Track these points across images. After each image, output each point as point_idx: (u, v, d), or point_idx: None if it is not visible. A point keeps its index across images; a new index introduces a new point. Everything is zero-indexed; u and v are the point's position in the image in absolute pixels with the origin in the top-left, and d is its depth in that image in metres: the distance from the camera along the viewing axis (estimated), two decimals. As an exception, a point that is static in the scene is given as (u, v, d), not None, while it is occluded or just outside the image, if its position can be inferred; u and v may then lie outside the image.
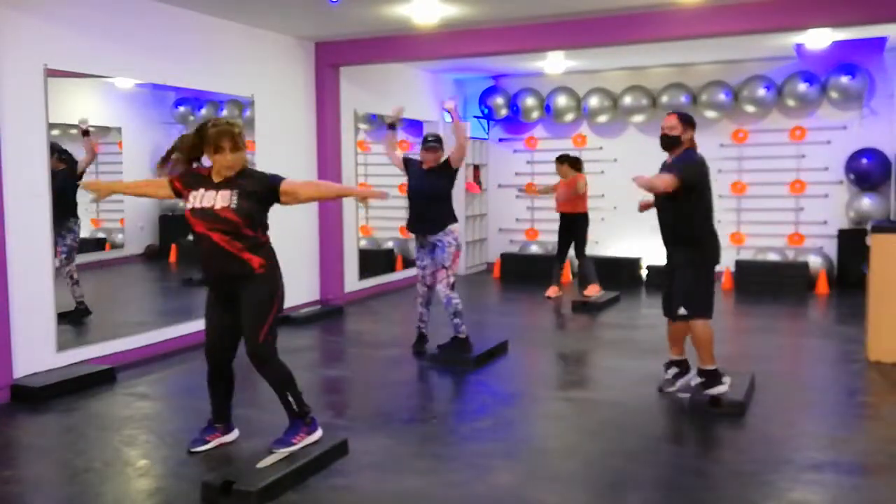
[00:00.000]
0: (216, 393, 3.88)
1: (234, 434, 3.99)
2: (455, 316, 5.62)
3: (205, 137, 3.53)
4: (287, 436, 3.68)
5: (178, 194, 3.68)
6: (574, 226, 8.22)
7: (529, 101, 10.11)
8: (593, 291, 7.98)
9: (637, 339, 6.51)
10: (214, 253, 3.55)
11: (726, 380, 4.52)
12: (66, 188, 5.93)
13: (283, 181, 3.59)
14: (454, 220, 5.70)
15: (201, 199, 3.53)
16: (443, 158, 5.69)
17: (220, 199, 3.51)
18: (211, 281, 3.70)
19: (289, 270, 7.81)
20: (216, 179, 3.58)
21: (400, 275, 9.26)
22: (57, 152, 5.87)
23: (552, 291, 8.46)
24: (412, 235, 5.89)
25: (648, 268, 9.24)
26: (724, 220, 9.23)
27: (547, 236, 10.34)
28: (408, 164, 5.86)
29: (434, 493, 3.43)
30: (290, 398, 3.68)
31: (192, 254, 7.07)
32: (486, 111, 10.42)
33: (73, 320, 5.89)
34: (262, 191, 3.57)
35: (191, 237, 3.69)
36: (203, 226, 3.52)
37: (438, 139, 5.74)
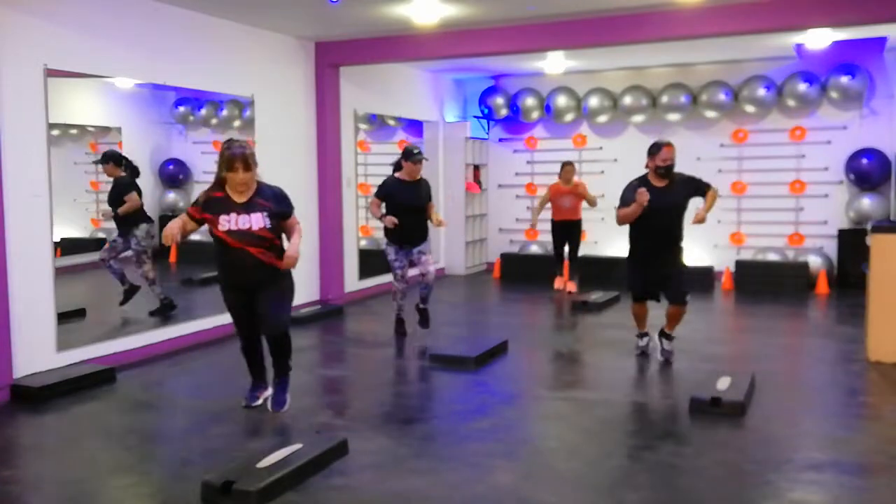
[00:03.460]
0: (255, 359, 4.58)
1: (270, 390, 4.61)
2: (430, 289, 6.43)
3: (220, 154, 4.13)
4: (284, 394, 4.53)
5: (203, 222, 4.23)
6: (576, 231, 8.68)
7: (529, 101, 10.12)
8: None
9: (636, 338, 6.50)
10: (251, 264, 4.21)
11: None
12: (121, 195, 6.27)
13: (291, 216, 4.37)
14: None
15: (236, 221, 4.15)
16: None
17: (255, 222, 4.17)
18: (239, 285, 4.31)
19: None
20: (239, 200, 4.17)
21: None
22: (113, 160, 6.33)
23: (563, 283, 8.84)
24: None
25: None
26: (724, 219, 9.26)
27: (547, 236, 10.34)
28: (385, 189, 6.20)
29: (434, 492, 3.43)
30: (289, 361, 4.54)
31: (192, 255, 7.09)
32: (486, 111, 10.42)
33: (162, 314, 6.37)
34: (279, 213, 4.27)
35: (220, 250, 4.25)
36: (242, 243, 4.17)
37: (421, 153, 6.27)
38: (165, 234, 4.04)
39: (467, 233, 10.33)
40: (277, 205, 4.25)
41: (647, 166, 5.41)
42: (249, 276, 4.25)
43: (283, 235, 4.35)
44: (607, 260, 9.45)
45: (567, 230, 8.64)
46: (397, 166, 6.27)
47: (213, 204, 4.20)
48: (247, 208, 4.17)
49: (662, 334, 5.66)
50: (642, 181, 5.38)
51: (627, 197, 5.33)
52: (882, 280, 5.52)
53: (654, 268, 5.49)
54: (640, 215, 5.26)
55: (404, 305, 6.45)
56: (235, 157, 4.08)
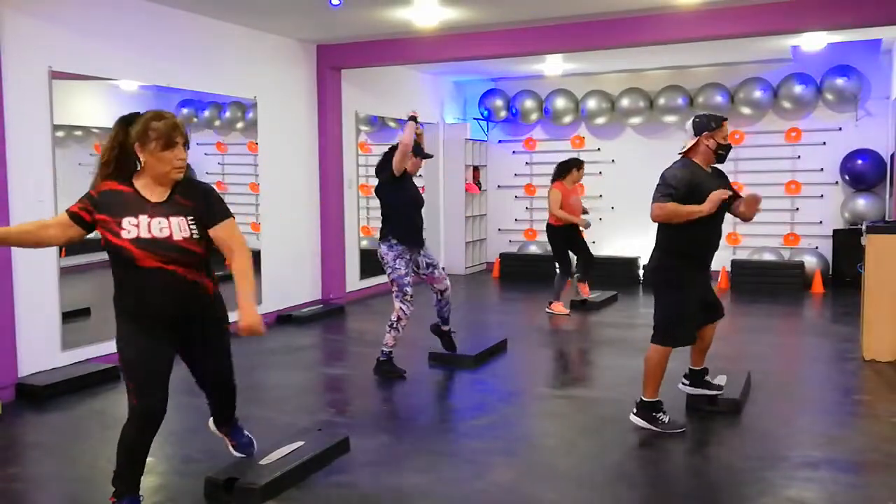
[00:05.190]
0: (145, 453, 3.07)
1: None
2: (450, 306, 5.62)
3: (146, 131, 2.84)
4: (244, 434, 3.56)
5: (92, 227, 2.88)
6: (578, 233, 7.71)
7: (528, 103, 10.19)
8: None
9: (635, 337, 6.55)
10: (174, 289, 2.88)
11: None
12: None
13: (217, 226, 2.93)
14: None
15: (148, 226, 2.82)
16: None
17: (177, 227, 2.86)
18: (157, 322, 2.94)
19: (291, 270, 7.82)
20: (153, 198, 2.88)
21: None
22: None
23: (563, 307, 7.64)
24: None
25: (645, 267, 9.31)
26: (721, 220, 9.31)
27: (545, 237, 10.39)
28: (404, 173, 5.30)
29: (434, 490, 3.48)
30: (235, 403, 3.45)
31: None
32: (485, 113, 10.49)
33: None
34: (208, 216, 2.94)
35: (123, 269, 2.88)
36: (156, 259, 2.83)
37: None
38: None
39: (467, 233, 10.39)
40: (206, 205, 2.93)
41: (688, 152, 4.09)
42: (172, 308, 2.90)
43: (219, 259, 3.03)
44: (605, 259, 9.50)
45: (576, 232, 7.64)
46: (390, 160, 5.27)
47: (113, 201, 2.85)
48: (165, 209, 2.86)
49: (703, 373, 4.44)
50: (688, 165, 4.06)
51: (683, 182, 3.92)
52: (877, 280, 5.57)
53: (703, 289, 4.19)
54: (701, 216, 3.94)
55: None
56: (177, 127, 2.86)
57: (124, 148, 2.93)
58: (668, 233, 4.07)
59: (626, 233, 9.72)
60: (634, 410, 4.19)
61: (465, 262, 10.38)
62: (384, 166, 5.31)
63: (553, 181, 7.59)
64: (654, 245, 4.23)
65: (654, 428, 4.12)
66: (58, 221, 2.91)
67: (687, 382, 4.52)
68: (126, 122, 2.97)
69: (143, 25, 5.89)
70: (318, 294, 8.01)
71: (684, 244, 4.03)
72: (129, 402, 2.97)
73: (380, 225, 5.36)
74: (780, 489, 3.44)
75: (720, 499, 3.43)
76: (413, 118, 5.20)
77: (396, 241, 5.20)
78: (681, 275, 4.06)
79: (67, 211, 2.89)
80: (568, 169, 7.57)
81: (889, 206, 8.36)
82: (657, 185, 3.99)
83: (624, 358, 5.83)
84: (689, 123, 4.17)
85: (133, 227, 2.82)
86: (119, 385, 5.16)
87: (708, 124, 4.06)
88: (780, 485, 3.49)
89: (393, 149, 5.30)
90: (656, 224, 4.13)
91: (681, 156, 4.15)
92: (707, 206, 3.86)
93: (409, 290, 5.22)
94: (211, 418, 3.57)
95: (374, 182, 5.52)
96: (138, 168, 2.96)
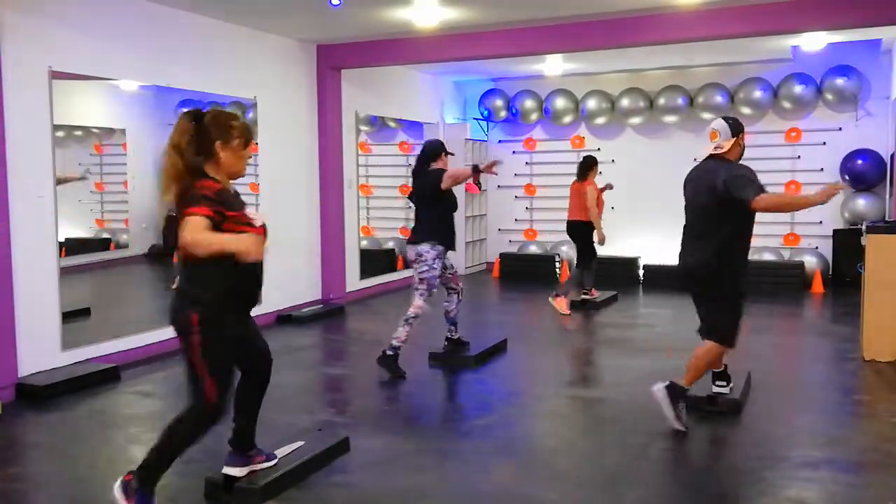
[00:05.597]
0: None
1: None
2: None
3: (229, 129, 2.98)
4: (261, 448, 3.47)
5: (221, 225, 2.86)
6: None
7: (528, 104, 10.19)
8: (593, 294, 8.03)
9: (635, 337, 6.57)
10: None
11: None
12: None
13: None
14: None
15: (258, 217, 3.04)
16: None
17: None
18: (250, 310, 3.20)
19: (291, 270, 7.86)
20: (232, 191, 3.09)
21: (400, 274, 9.31)
22: None
23: (566, 307, 7.59)
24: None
25: (646, 267, 9.31)
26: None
27: (545, 237, 10.42)
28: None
29: (434, 490, 3.48)
30: None
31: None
32: (485, 113, 10.49)
33: None
34: None
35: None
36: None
37: None
38: (255, 251, 2.75)
39: (467, 233, 10.39)
40: None
41: (725, 153, 4.08)
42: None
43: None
44: (606, 259, 9.50)
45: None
46: (429, 160, 5.38)
47: (227, 197, 2.95)
48: (243, 201, 3.13)
49: (725, 369, 4.63)
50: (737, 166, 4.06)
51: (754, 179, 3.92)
52: (877, 280, 5.56)
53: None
54: (748, 215, 3.99)
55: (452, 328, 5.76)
56: (251, 128, 3.09)
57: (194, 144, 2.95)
58: (722, 235, 4.01)
59: (626, 233, 9.71)
60: (666, 383, 4.16)
61: (466, 261, 10.37)
62: (424, 174, 5.37)
63: (583, 179, 7.68)
64: (699, 250, 4.11)
65: (668, 411, 4.12)
66: (207, 225, 2.81)
67: (723, 383, 4.58)
68: (195, 117, 3.00)
69: (143, 25, 5.89)
70: (318, 294, 8.01)
71: (738, 246, 4.09)
72: (205, 398, 2.97)
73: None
74: (780, 489, 3.44)
75: (720, 498, 3.43)
76: (477, 170, 5.28)
77: (438, 242, 5.31)
78: (740, 277, 4.14)
79: (202, 216, 2.80)
80: (592, 165, 7.73)
81: (889, 206, 8.36)
82: (744, 182, 3.84)
83: (624, 358, 5.83)
84: (721, 124, 4.13)
85: (255, 218, 2.99)
86: (119, 385, 5.17)
87: (741, 127, 4.16)
88: (780, 485, 3.49)
89: (426, 155, 5.39)
90: (701, 231, 4.08)
91: (718, 155, 4.10)
92: (822, 197, 3.77)
93: (434, 290, 5.36)
94: (233, 468, 3.33)
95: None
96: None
